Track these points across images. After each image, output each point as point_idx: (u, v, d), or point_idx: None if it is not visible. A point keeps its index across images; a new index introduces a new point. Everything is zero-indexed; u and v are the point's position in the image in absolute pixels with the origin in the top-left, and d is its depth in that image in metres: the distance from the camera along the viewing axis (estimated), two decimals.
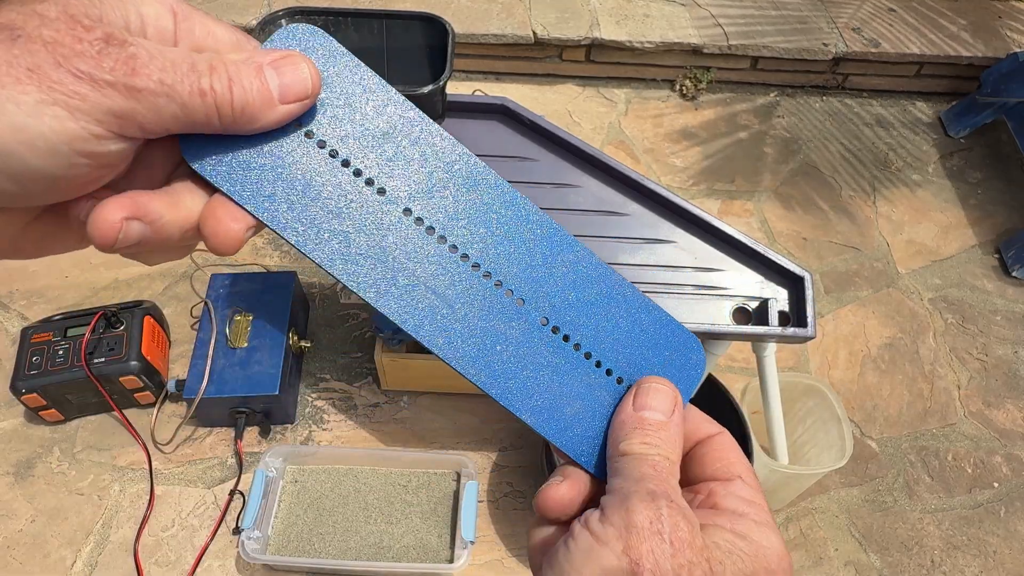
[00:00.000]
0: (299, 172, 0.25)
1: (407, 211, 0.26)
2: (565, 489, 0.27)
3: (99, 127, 0.20)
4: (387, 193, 0.26)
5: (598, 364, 0.28)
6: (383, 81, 0.26)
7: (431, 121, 0.27)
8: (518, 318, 0.27)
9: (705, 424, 0.29)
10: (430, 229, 0.26)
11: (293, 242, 0.25)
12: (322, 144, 0.25)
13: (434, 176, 0.26)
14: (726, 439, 0.29)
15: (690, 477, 0.28)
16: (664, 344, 0.29)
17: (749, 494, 0.27)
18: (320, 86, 0.24)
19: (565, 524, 0.28)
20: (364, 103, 0.26)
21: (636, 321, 0.29)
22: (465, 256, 0.26)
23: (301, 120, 0.25)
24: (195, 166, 0.24)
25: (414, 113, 0.26)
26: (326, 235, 0.25)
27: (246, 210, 0.24)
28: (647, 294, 0.30)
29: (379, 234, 0.25)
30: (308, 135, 0.25)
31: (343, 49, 0.25)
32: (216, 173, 0.24)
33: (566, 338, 0.28)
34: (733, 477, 0.27)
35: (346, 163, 0.25)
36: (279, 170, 0.24)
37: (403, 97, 0.26)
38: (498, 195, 0.27)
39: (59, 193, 0.21)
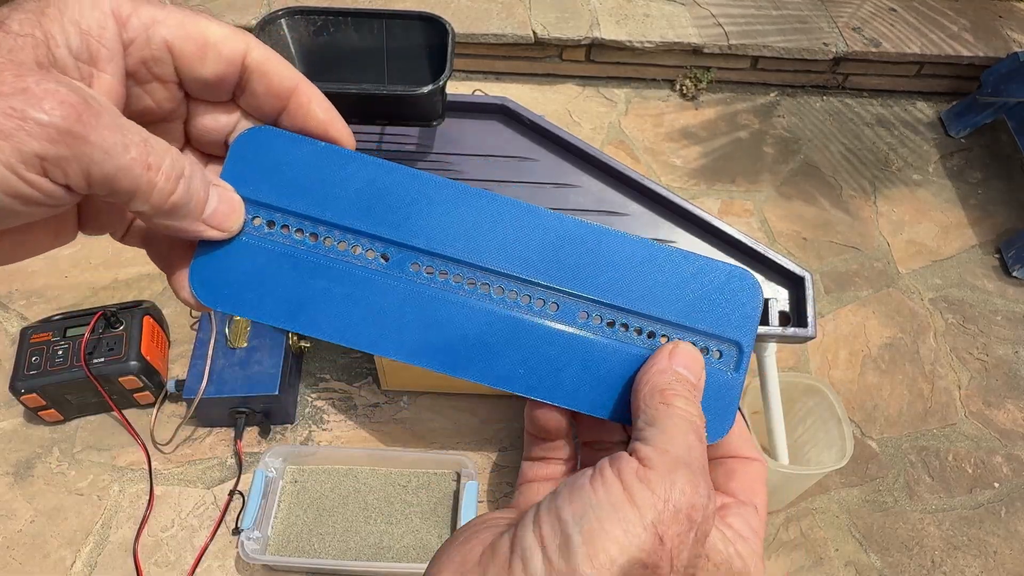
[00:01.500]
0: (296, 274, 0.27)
1: (415, 264, 0.27)
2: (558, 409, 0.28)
3: (24, 170, 0.19)
4: (391, 258, 0.27)
5: (638, 332, 0.28)
6: (344, 151, 0.27)
7: (416, 172, 0.28)
8: (541, 321, 0.28)
9: (748, 444, 0.29)
10: (434, 271, 0.27)
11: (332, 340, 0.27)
12: (301, 231, 0.27)
13: (436, 221, 0.27)
14: (761, 468, 0.29)
15: (715, 484, 0.28)
16: (711, 289, 0.28)
17: (757, 525, 0.27)
18: (237, 230, 0.26)
19: (550, 461, 0.29)
20: (340, 173, 0.27)
21: (672, 277, 0.28)
22: (472, 282, 0.27)
23: (272, 218, 0.27)
24: (207, 303, 0.26)
25: (388, 168, 0.28)
26: (353, 320, 0.27)
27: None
28: None
29: (406, 294, 0.27)
30: (299, 231, 0.27)
31: (302, 137, 0.27)
32: (223, 302, 0.26)
33: (610, 323, 0.28)
34: (751, 503, 0.28)
35: (327, 239, 0.27)
36: (273, 279, 0.26)
37: (373, 158, 0.27)
38: (479, 205, 0.28)
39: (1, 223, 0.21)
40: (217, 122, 0.27)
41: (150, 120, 0.24)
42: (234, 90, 0.26)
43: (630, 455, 0.24)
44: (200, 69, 0.24)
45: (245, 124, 0.27)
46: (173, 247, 0.27)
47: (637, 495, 0.22)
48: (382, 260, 0.27)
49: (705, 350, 0.28)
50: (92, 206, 0.26)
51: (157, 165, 0.22)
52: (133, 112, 0.24)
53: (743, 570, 0.25)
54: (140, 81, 0.24)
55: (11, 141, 0.19)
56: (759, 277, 0.79)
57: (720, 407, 0.28)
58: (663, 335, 0.28)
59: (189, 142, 0.28)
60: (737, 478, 0.28)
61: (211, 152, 0.28)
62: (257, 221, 0.27)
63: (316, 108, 0.27)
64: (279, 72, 0.26)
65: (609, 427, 0.30)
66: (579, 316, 0.28)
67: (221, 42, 0.24)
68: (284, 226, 0.27)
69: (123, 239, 0.27)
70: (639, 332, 0.28)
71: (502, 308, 0.27)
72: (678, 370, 0.27)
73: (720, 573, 0.24)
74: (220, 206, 0.25)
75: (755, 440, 0.29)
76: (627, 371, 0.28)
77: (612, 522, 0.22)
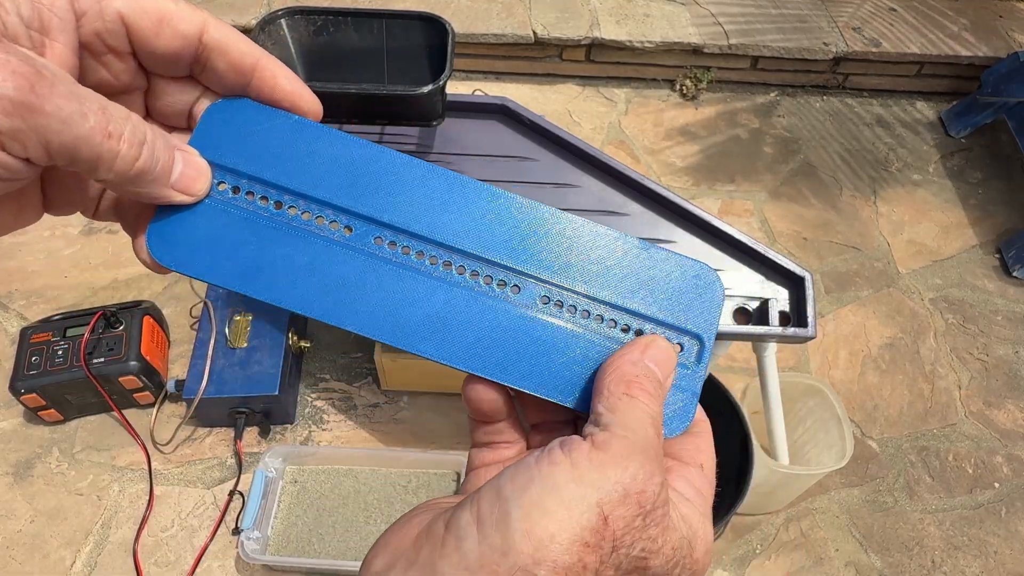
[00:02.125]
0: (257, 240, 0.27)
1: (377, 238, 0.27)
2: (496, 396, 0.28)
3: None
4: (355, 230, 0.27)
5: (599, 319, 0.28)
6: (320, 126, 0.27)
7: (384, 149, 0.28)
8: (504, 305, 0.27)
9: (696, 412, 0.29)
10: (396, 245, 0.27)
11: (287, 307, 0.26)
12: (265, 198, 0.27)
13: (402, 198, 0.27)
14: (705, 427, 0.28)
15: None
16: (671, 282, 0.28)
17: (700, 484, 0.26)
18: (206, 193, 0.26)
19: (498, 446, 0.29)
20: (313, 147, 0.27)
21: (636, 268, 0.28)
22: (434, 259, 0.27)
23: (237, 184, 0.27)
24: (164, 262, 0.26)
25: (358, 143, 0.28)
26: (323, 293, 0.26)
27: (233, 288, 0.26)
28: None
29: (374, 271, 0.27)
30: (264, 199, 0.27)
31: (275, 109, 0.27)
32: (183, 265, 0.26)
33: (571, 309, 0.28)
34: (694, 463, 0.27)
35: (293, 207, 0.27)
36: (235, 240, 0.26)
37: (344, 134, 0.28)
38: (448, 185, 0.28)
39: None
40: (177, 96, 0.27)
41: (108, 93, 0.24)
42: (192, 66, 0.26)
43: (584, 438, 0.23)
44: (155, 43, 0.24)
45: (207, 100, 0.27)
46: (141, 213, 0.27)
47: (585, 475, 0.22)
48: (345, 232, 0.27)
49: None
50: (56, 183, 0.25)
51: (118, 132, 0.21)
52: (89, 84, 0.24)
53: (688, 534, 0.24)
54: (95, 53, 0.24)
55: None
56: (759, 277, 0.79)
57: (683, 399, 0.28)
58: (624, 325, 0.28)
59: (150, 115, 0.27)
60: (679, 440, 0.27)
61: (174, 124, 0.28)
62: (222, 187, 0.27)
63: (282, 81, 0.26)
64: (239, 48, 0.25)
65: (556, 407, 0.29)
66: (539, 300, 0.28)
67: (177, 18, 0.24)
68: (248, 192, 0.27)
69: (95, 215, 0.27)
70: (600, 319, 0.28)
71: (462, 287, 0.27)
72: (648, 365, 0.26)
73: (669, 547, 0.23)
74: (186, 170, 0.25)
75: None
76: (586, 356, 0.28)
77: (554, 499, 0.21)
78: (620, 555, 0.22)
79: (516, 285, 0.28)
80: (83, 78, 0.24)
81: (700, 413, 0.28)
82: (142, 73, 0.26)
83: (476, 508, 0.22)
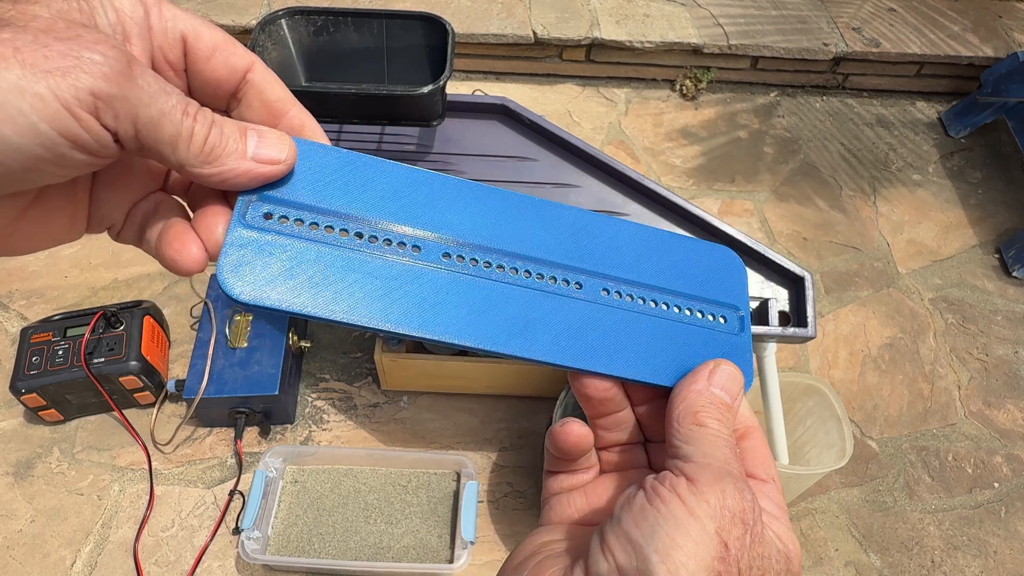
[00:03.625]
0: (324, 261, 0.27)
1: (446, 255, 0.28)
2: (579, 426, 0.29)
3: (78, 107, 0.20)
4: (411, 245, 0.28)
5: (654, 303, 0.31)
6: (365, 156, 0.29)
7: (423, 170, 0.29)
8: (572, 299, 0.29)
9: (745, 412, 0.30)
10: (462, 258, 0.28)
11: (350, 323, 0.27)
12: (330, 228, 0.27)
13: (449, 211, 0.29)
14: (761, 436, 0.30)
15: None
16: (705, 265, 0.32)
17: (779, 499, 0.28)
18: (295, 160, 0.26)
19: (576, 471, 0.31)
20: (352, 175, 0.28)
21: (674, 257, 0.32)
22: (501, 267, 0.29)
23: (304, 217, 0.27)
24: (247, 303, 0.26)
25: (408, 170, 0.29)
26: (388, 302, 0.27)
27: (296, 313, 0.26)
28: None
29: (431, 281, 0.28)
30: (313, 225, 0.27)
31: (325, 145, 0.28)
32: (267, 300, 0.26)
33: (629, 297, 0.30)
34: (769, 479, 0.28)
35: (359, 235, 0.28)
36: (308, 268, 0.27)
37: (388, 161, 0.29)
38: (498, 200, 0.30)
39: (43, 175, 0.22)
40: None
41: None
42: (230, 99, 0.27)
43: (674, 474, 0.25)
44: (206, 67, 0.26)
45: None
46: (171, 233, 0.27)
47: (696, 508, 0.23)
48: (413, 252, 0.28)
49: (712, 316, 0.31)
50: (101, 198, 0.26)
51: (193, 112, 0.23)
52: None
53: (784, 549, 0.25)
54: (156, 64, 0.25)
55: (68, 78, 0.20)
56: (759, 277, 0.79)
57: (738, 364, 0.30)
58: (676, 305, 0.31)
59: None
60: (749, 456, 0.29)
61: None
62: (284, 221, 0.27)
63: (307, 132, 0.28)
64: (276, 92, 0.27)
65: (625, 427, 0.31)
66: (601, 293, 0.30)
67: (229, 51, 0.26)
68: (312, 224, 0.27)
69: (119, 236, 0.28)
70: (655, 303, 0.31)
71: (534, 288, 0.29)
72: (714, 391, 0.28)
73: (774, 561, 0.25)
74: (265, 138, 0.26)
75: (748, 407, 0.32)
76: (655, 335, 0.30)
77: (682, 535, 0.23)
78: (743, 574, 0.23)
79: (578, 283, 0.30)
80: None
81: (753, 419, 0.30)
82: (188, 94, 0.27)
83: (611, 557, 0.23)
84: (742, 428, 0.30)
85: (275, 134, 0.26)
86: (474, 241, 0.29)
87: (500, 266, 0.29)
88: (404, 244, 0.28)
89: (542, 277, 0.29)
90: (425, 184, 0.29)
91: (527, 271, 0.29)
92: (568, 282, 0.29)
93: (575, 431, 0.29)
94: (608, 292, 0.30)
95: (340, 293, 0.26)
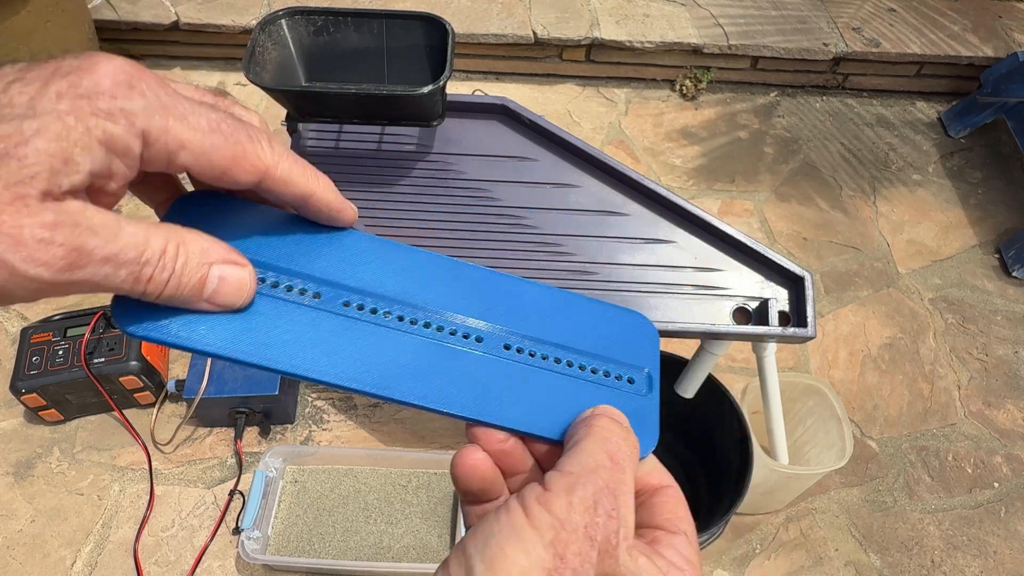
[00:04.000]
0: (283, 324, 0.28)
1: (346, 303, 0.29)
2: (482, 456, 0.28)
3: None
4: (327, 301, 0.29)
5: (557, 361, 0.31)
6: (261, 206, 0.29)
7: (359, 233, 0.30)
8: (481, 354, 0.30)
9: (659, 472, 0.30)
10: (364, 307, 0.29)
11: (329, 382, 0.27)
12: (275, 284, 0.28)
13: (369, 266, 0.30)
14: (677, 493, 0.29)
15: (639, 521, 0.28)
16: (616, 328, 0.32)
17: (689, 553, 0.27)
18: (252, 297, 0.26)
19: (493, 498, 0.29)
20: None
21: (584, 320, 0.32)
22: (401, 317, 0.29)
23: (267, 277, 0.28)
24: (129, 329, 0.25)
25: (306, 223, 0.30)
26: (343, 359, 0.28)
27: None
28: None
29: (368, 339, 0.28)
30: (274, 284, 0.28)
31: (230, 196, 0.28)
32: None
33: (531, 354, 0.30)
34: (679, 532, 0.28)
35: (289, 288, 0.28)
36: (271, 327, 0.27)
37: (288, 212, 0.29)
38: (436, 264, 0.30)
39: (12, 298, 0.22)
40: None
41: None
42: (248, 192, 0.27)
43: (540, 483, 0.25)
44: (215, 184, 0.25)
45: None
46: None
47: (536, 518, 0.23)
48: (313, 298, 0.28)
49: (619, 377, 0.31)
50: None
51: (146, 278, 0.23)
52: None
53: None
54: (140, 178, 0.25)
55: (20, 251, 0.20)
56: (759, 277, 0.79)
57: (642, 428, 0.30)
58: (580, 364, 0.31)
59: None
60: (658, 510, 0.28)
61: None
62: None
63: (332, 214, 0.29)
64: (297, 183, 0.27)
65: (522, 460, 0.30)
66: (502, 347, 0.30)
67: (238, 168, 0.24)
68: None
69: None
70: (557, 361, 0.30)
71: (431, 338, 0.29)
72: (614, 412, 0.28)
73: None
74: (225, 283, 0.25)
75: (661, 467, 0.31)
76: (554, 390, 0.30)
77: (512, 545, 0.22)
78: None
79: (479, 337, 0.30)
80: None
81: (670, 479, 0.30)
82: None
83: (446, 569, 0.23)
84: (656, 483, 0.29)
85: (236, 279, 0.25)
86: (375, 291, 0.29)
87: (400, 316, 0.29)
88: (306, 291, 0.28)
89: (442, 329, 0.29)
90: (328, 239, 0.29)
91: (426, 322, 0.29)
92: (468, 336, 0.30)
93: (468, 460, 0.27)
94: (510, 347, 0.30)
95: (213, 329, 0.26)
